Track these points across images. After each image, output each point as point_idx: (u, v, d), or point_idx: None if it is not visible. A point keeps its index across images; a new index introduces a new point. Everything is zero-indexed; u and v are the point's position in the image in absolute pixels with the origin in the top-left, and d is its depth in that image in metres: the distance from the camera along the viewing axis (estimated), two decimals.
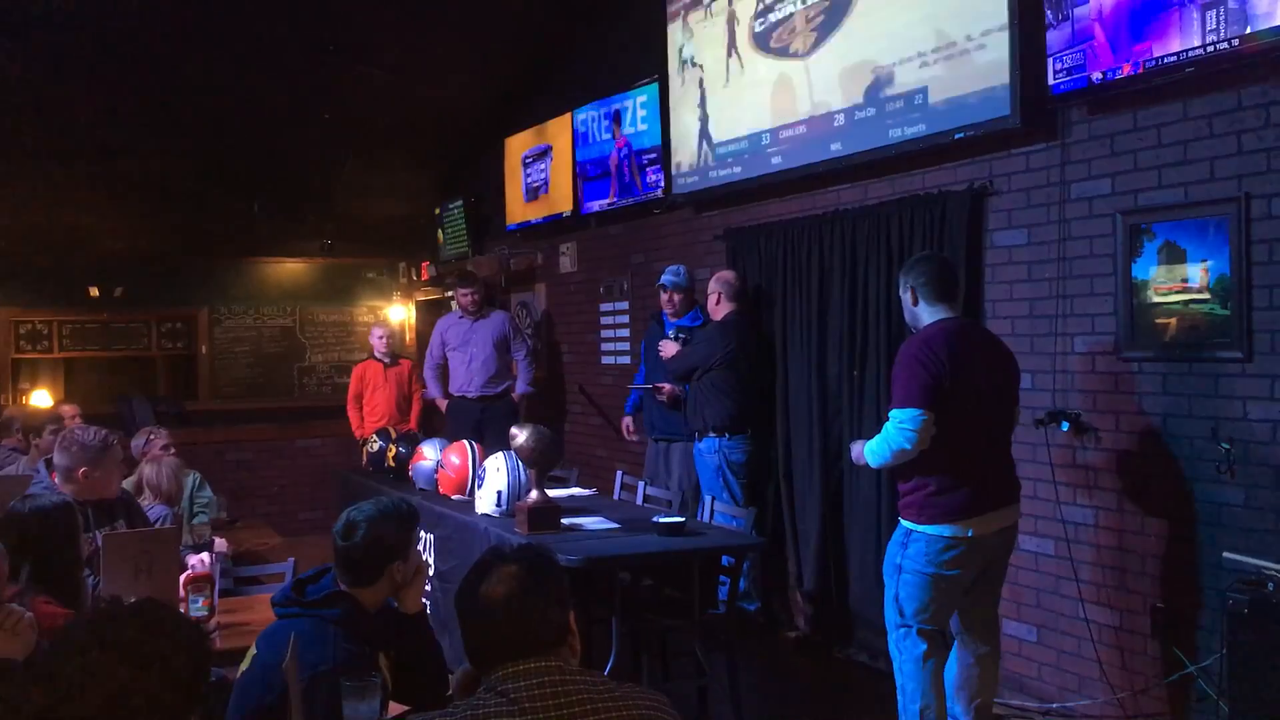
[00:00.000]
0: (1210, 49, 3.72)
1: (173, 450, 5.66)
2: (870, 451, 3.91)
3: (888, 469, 4.01)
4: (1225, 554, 3.75)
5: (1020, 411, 4.16)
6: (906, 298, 4.00)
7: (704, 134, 6.48)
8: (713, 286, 6.03)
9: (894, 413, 3.79)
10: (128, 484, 5.05)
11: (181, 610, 3.63)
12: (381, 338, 8.68)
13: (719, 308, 5.99)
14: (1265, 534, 3.76)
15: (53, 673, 1.67)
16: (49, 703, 1.64)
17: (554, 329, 8.67)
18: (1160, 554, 4.16)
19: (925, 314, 3.94)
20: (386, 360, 8.61)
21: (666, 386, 6.27)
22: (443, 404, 8.10)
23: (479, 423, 7.62)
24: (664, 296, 6.38)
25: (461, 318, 8.02)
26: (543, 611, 2.02)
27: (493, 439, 6.49)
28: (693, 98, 6.60)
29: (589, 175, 7.76)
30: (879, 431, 3.88)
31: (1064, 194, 4.47)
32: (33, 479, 4.35)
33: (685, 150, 6.68)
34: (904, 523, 3.90)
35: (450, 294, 10.28)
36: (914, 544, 3.83)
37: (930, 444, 3.73)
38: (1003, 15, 4.53)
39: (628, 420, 6.92)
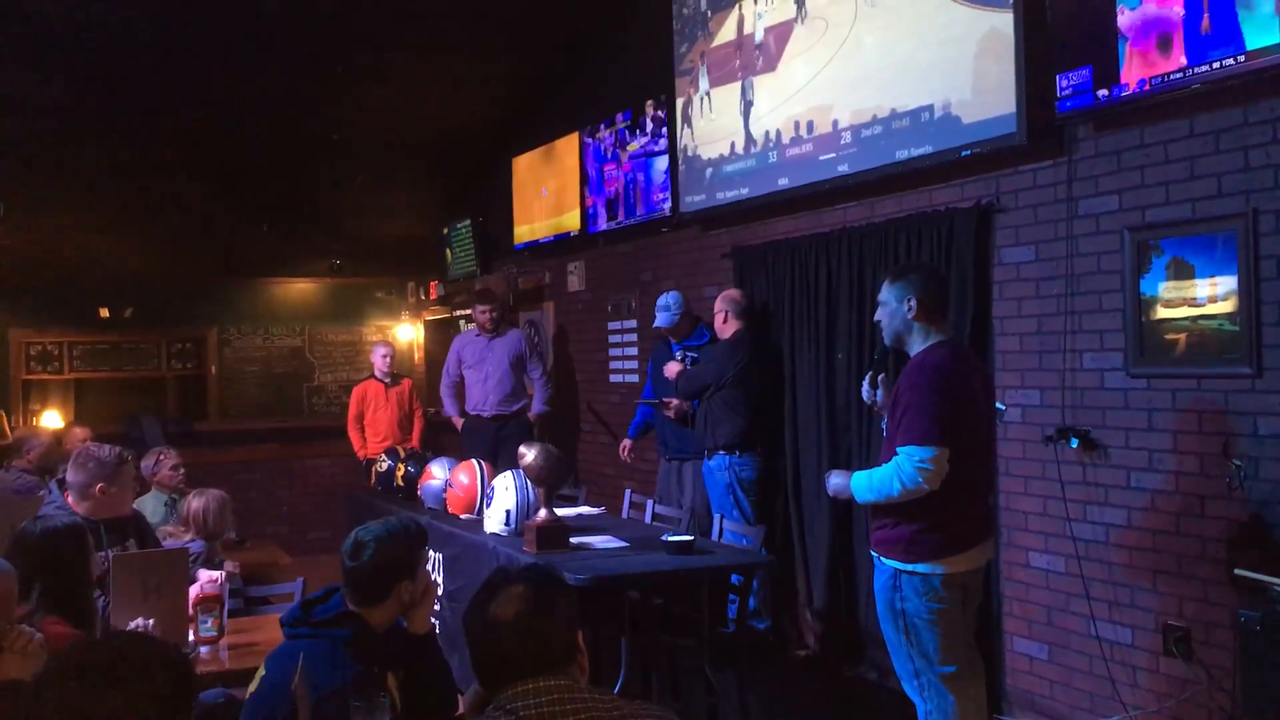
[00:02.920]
0: (1216, 65, 3.73)
1: (182, 471, 5.67)
2: (865, 487, 3.64)
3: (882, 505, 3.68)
4: (1237, 570, 3.73)
5: (1002, 432, 4.04)
6: (904, 310, 3.68)
7: (747, 115, 6.25)
8: (719, 305, 6.04)
9: (909, 449, 3.49)
10: (153, 513, 5.06)
11: (191, 630, 3.64)
12: (385, 356, 8.65)
13: (726, 326, 6.01)
14: (1277, 550, 3.74)
15: (36, 712, 1.67)
16: None
17: (563, 348, 8.67)
18: (1171, 571, 4.14)
19: (920, 333, 3.67)
20: (387, 380, 8.60)
21: (674, 402, 6.28)
22: (458, 423, 8.10)
23: (494, 442, 7.61)
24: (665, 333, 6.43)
25: (478, 335, 8.03)
26: (551, 631, 2.02)
27: (507, 458, 6.48)
28: (731, 88, 6.34)
29: (597, 193, 7.78)
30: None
31: (1071, 210, 4.47)
32: (44, 499, 4.36)
33: (716, 147, 6.46)
34: (887, 561, 3.64)
35: (459, 312, 10.32)
36: (907, 585, 3.58)
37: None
38: (1009, 32, 4.55)
39: (627, 443, 6.93)
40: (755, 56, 6.10)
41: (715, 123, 6.46)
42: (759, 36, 6.08)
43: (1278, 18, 3.53)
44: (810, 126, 5.59)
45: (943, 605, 3.58)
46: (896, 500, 3.56)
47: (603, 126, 7.68)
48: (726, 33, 6.37)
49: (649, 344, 7.19)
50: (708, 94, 6.59)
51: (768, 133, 5.97)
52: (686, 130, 6.72)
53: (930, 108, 4.96)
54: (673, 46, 6.84)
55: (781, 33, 5.89)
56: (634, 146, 7.35)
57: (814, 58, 5.64)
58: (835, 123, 5.42)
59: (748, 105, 6.24)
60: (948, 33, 4.86)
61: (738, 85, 6.28)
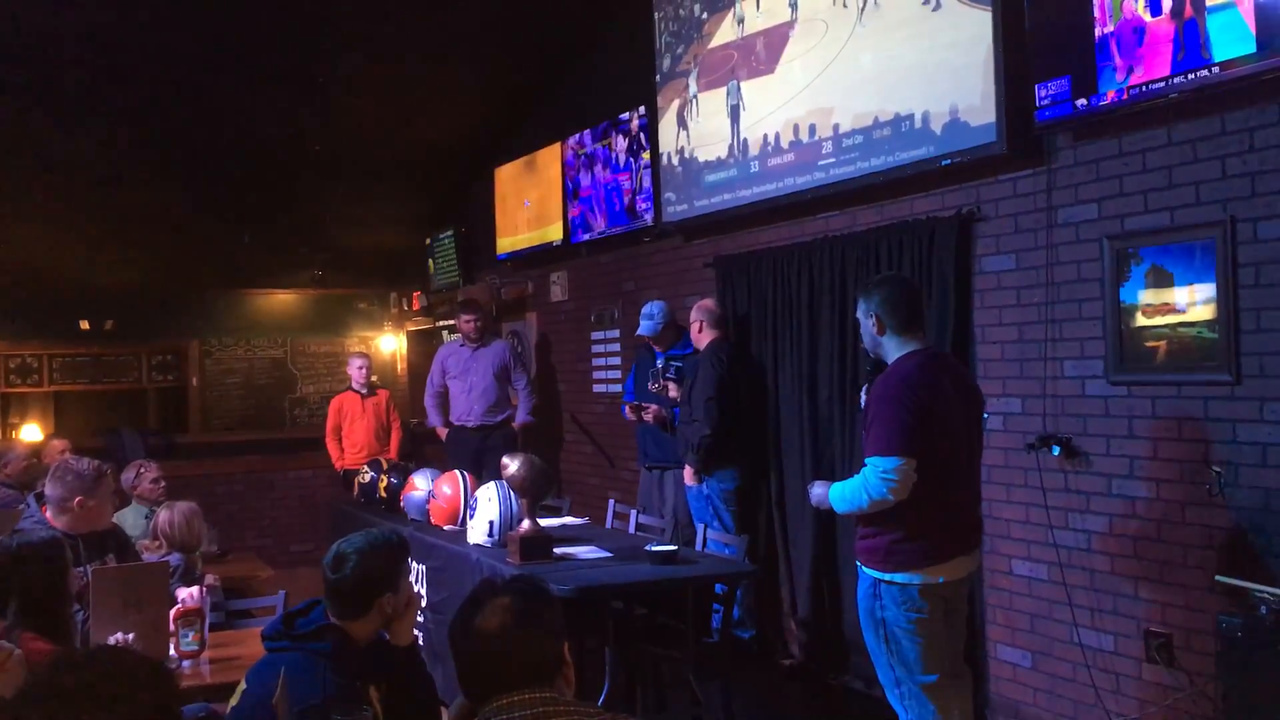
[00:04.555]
0: (1193, 75, 3.76)
1: (163, 483, 5.63)
2: (839, 498, 3.66)
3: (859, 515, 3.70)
4: (1217, 577, 3.75)
5: (984, 440, 4.01)
6: (870, 324, 3.73)
7: (735, 120, 6.25)
8: (694, 315, 6.06)
9: (874, 460, 3.53)
10: (134, 526, 5.01)
11: (172, 644, 3.62)
12: (361, 368, 8.59)
13: (701, 335, 6.02)
14: (1257, 556, 3.76)
15: None
16: None
17: (546, 358, 8.67)
18: (1153, 577, 4.15)
19: (892, 344, 3.71)
20: (364, 391, 8.56)
21: (653, 407, 6.28)
22: (443, 433, 8.09)
23: (478, 452, 7.60)
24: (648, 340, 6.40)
25: (462, 346, 8.02)
26: (537, 643, 2.02)
27: (491, 469, 6.46)
28: (720, 92, 6.33)
29: (579, 203, 7.79)
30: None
31: (1051, 219, 4.50)
32: (21, 513, 4.33)
33: (710, 148, 6.41)
34: (868, 570, 3.66)
35: (442, 323, 10.31)
36: (886, 594, 3.60)
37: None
38: (988, 43, 4.58)
39: (627, 408, 6.59)
40: (750, 59, 6.10)
41: (707, 125, 6.47)
42: (753, 39, 6.07)
43: (1251, 29, 3.57)
44: (812, 130, 5.59)
45: (921, 615, 3.59)
46: (867, 511, 3.59)
47: (585, 137, 7.69)
48: (721, 35, 6.36)
49: (632, 354, 7.19)
50: (695, 97, 6.61)
51: (765, 136, 5.96)
52: (682, 133, 6.71)
53: (911, 117, 4.99)
54: (654, 55, 6.85)
55: (778, 35, 5.88)
56: (616, 156, 7.36)
57: (811, 61, 5.62)
58: (836, 126, 5.42)
59: (734, 109, 6.26)
60: (929, 42, 4.88)
61: (727, 89, 6.29)
